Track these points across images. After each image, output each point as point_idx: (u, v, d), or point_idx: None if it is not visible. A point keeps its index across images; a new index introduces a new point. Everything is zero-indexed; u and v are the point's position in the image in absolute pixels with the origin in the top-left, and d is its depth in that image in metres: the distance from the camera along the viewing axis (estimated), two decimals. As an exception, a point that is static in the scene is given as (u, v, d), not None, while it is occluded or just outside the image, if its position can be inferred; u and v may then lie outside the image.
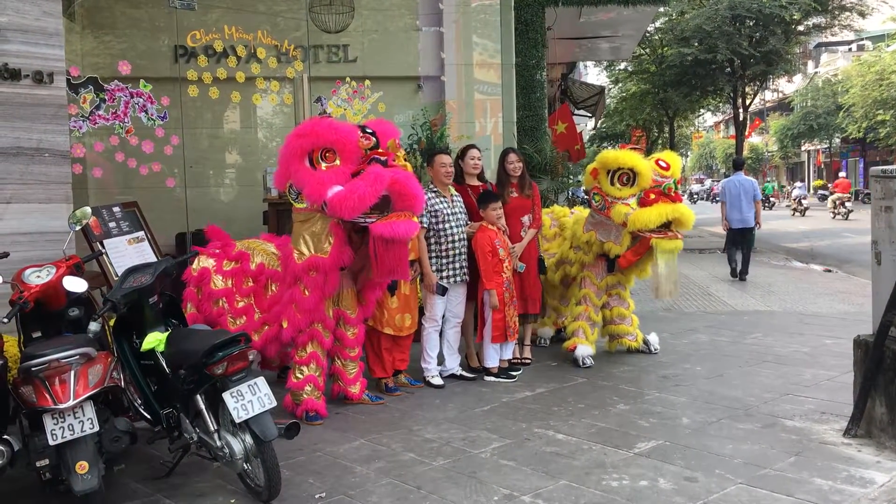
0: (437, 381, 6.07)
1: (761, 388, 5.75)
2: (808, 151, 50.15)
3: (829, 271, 13.76)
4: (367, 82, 8.28)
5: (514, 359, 6.48)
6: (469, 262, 6.13)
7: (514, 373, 6.26)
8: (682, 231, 6.23)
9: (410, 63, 9.48)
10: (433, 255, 6.02)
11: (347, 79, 8.27)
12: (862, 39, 37.95)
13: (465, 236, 6.12)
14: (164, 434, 4.18)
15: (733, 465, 4.24)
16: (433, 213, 5.97)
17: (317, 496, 3.99)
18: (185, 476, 4.29)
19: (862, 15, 16.91)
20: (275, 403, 3.91)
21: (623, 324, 6.88)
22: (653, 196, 6.20)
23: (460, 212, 6.14)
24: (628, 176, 6.25)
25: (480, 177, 6.51)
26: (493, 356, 6.23)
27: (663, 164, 6.35)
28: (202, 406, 3.96)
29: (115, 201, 6.81)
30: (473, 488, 4.03)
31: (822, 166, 49.00)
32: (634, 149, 6.60)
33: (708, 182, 56.14)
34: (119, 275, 4.49)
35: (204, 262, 5.39)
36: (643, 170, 6.21)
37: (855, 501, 3.76)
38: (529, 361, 6.66)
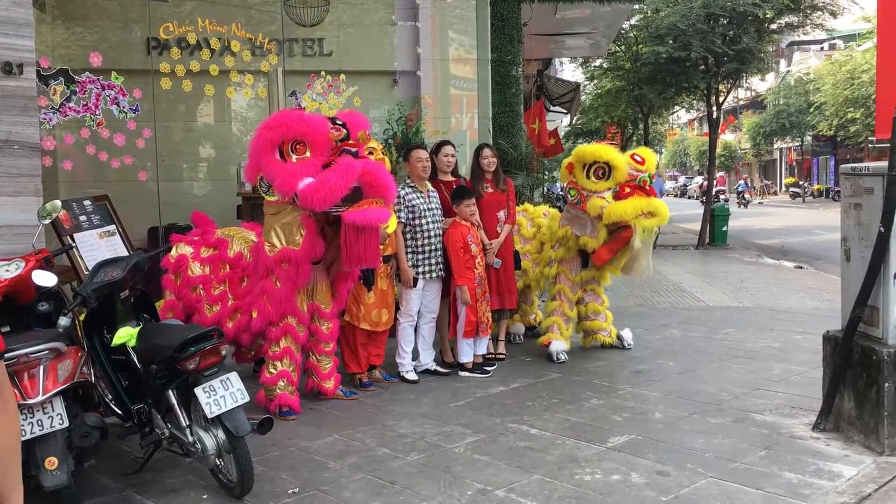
0: (412, 376, 6.08)
1: (732, 383, 5.81)
2: (780, 149, 50.68)
3: (800, 268, 13.94)
4: (343, 76, 8.23)
5: (488, 354, 6.49)
6: (444, 257, 6.14)
7: (488, 368, 6.28)
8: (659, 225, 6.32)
9: (386, 58, 9.44)
10: (409, 250, 6.01)
11: (322, 73, 8.22)
12: (833, 39, 38.31)
13: (441, 232, 6.12)
14: (136, 430, 4.14)
15: (704, 459, 4.28)
16: (410, 209, 5.97)
17: (290, 491, 3.98)
18: (156, 472, 4.26)
19: (833, 14, 17.00)
20: (248, 399, 3.90)
21: (597, 319, 6.91)
22: (628, 190, 6.23)
23: (436, 207, 6.14)
24: (604, 170, 6.31)
25: (454, 172, 6.52)
26: (468, 351, 6.24)
27: (638, 159, 6.43)
28: (174, 401, 3.93)
29: (86, 194, 6.71)
30: (447, 483, 4.04)
31: (794, 164, 49.60)
32: (611, 143, 6.64)
33: (682, 179, 56.59)
34: (90, 269, 4.43)
35: (182, 248, 5.42)
36: (619, 163, 6.27)
37: (823, 494, 3.82)
38: (504, 357, 6.68)
